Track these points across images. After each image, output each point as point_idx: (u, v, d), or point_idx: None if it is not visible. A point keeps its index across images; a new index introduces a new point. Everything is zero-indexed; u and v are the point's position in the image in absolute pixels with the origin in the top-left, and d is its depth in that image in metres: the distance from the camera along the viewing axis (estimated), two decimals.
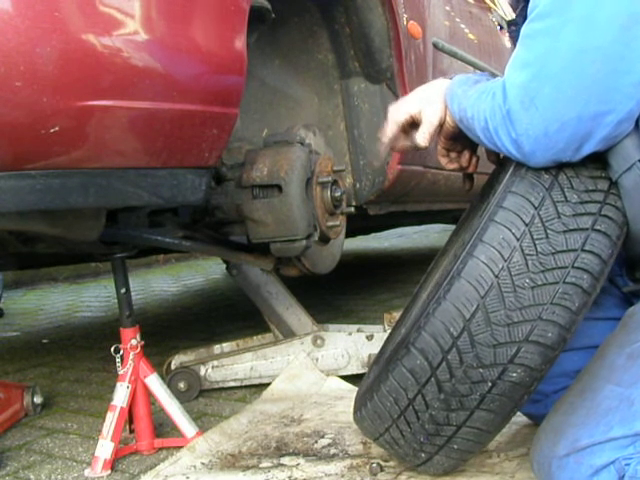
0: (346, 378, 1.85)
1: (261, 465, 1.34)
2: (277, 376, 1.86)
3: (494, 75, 1.28)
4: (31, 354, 2.62)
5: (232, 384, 1.92)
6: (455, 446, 1.10)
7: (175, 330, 2.83)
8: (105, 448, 1.43)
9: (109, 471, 1.42)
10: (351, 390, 1.80)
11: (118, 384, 1.49)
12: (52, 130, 0.85)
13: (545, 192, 1.02)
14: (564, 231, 1.01)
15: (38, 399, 1.85)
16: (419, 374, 1.05)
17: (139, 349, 1.52)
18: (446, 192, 2.61)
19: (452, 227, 6.96)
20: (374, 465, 1.27)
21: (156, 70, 0.94)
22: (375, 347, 1.87)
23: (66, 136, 0.87)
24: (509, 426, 1.45)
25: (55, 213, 1.06)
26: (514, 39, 1.29)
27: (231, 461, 1.39)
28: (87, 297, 4.16)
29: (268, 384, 1.86)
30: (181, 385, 1.87)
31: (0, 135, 0.85)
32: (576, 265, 1.00)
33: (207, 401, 1.87)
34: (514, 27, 1.33)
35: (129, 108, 0.92)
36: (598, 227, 1.02)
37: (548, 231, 1.00)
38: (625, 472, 0.97)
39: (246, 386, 1.92)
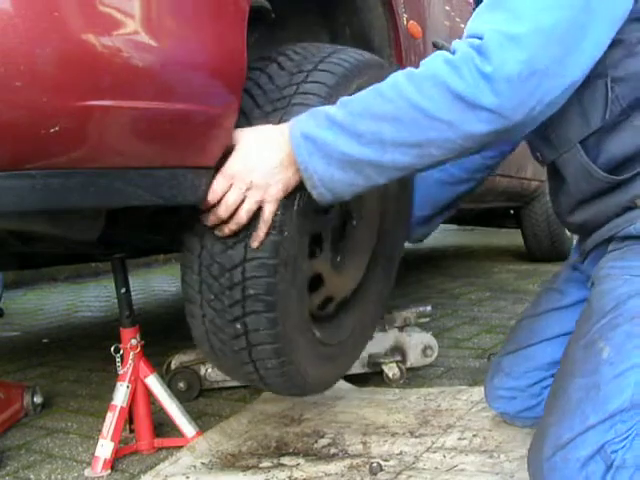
0: (346, 378, 1.85)
1: (261, 465, 1.34)
2: None
3: None
4: (31, 354, 2.62)
5: (232, 384, 1.92)
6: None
7: (175, 330, 2.83)
8: (105, 448, 1.43)
9: (109, 471, 1.42)
10: (351, 390, 1.80)
11: (118, 384, 1.49)
12: (52, 130, 0.85)
13: None
14: None
15: (38, 399, 1.85)
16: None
17: (139, 349, 1.52)
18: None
19: (453, 227, 6.92)
20: (374, 465, 1.27)
21: (156, 70, 0.94)
22: (375, 347, 1.87)
23: (66, 136, 0.87)
24: (509, 427, 1.45)
25: (55, 213, 1.06)
26: None
27: (231, 461, 1.39)
28: (87, 297, 4.16)
29: None
30: (181, 385, 1.87)
31: (0, 135, 0.85)
32: None
33: (207, 401, 1.87)
34: None
35: (129, 108, 0.92)
36: None
37: None
38: (613, 461, 0.95)
39: (246, 386, 1.92)
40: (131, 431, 1.54)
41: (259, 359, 1.17)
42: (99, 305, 3.81)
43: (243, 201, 1.03)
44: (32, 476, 1.45)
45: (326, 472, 1.28)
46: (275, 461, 1.36)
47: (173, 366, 1.90)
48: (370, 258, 1.52)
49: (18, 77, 0.82)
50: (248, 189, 1.03)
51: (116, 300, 1.57)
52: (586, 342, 1.09)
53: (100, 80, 0.88)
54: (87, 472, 1.43)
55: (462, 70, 0.93)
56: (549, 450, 1.02)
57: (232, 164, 1.04)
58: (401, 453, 1.35)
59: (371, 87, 1.02)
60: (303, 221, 1.14)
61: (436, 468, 1.27)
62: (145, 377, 1.52)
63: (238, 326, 1.13)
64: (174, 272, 5.07)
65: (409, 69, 1.00)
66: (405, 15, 1.86)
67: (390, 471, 1.27)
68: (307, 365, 1.24)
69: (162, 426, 1.61)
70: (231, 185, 1.03)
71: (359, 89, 1.19)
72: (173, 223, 1.24)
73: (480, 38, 0.95)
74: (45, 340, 2.90)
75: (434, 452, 1.34)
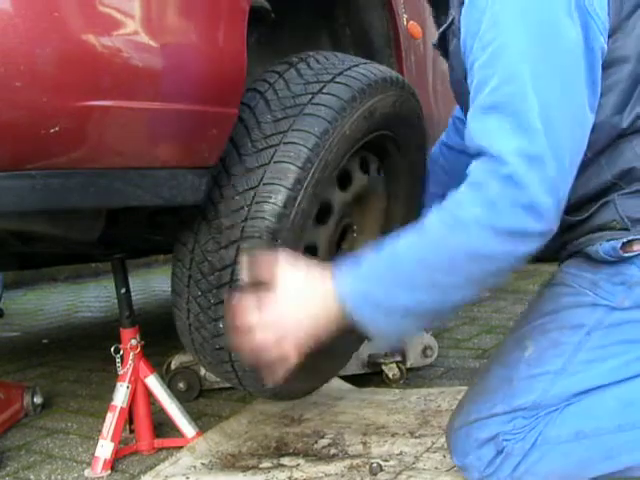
0: (346, 378, 1.85)
1: (261, 465, 1.34)
2: None
3: None
4: (31, 354, 2.62)
5: None
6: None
7: (175, 330, 2.83)
8: (105, 448, 1.43)
9: (109, 471, 1.42)
10: (351, 390, 1.80)
11: (118, 384, 1.49)
12: (52, 130, 0.85)
13: None
14: None
15: (38, 399, 1.85)
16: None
17: (139, 349, 1.52)
18: None
19: None
20: (374, 465, 1.27)
21: (156, 70, 0.94)
22: (376, 347, 1.87)
23: (66, 136, 0.87)
24: None
25: (55, 213, 1.06)
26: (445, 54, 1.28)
27: (231, 461, 1.39)
28: (87, 297, 4.16)
29: None
30: (181, 385, 1.87)
31: (0, 135, 0.85)
32: None
33: (207, 401, 1.87)
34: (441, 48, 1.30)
35: (129, 108, 0.92)
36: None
37: None
38: (503, 448, 1.10)
39: None
40: (131, 431, 1.54)
41: (237, 360, 1.17)
42: (99, 305, 3.80)
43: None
44: (32, 476, 1.45)
45: (326, 472, 1.28)
46: (275, 461, 1.36)
47: (173, 366, 1.90)
48: None
49: (18, 77, 0.82)
50: (277, 339, 0.99)
51: (116, 300, 1.57)
52: (518, 336, 1.18)
53: (100, 80, 0.88)
54: (87, 472, 1.43)
55: (501, 208, 0.91)
56: (459, 422, 1.17)
57: (271, 314, 0.99)
58: (401, 453, 1.35)
59: (415, 233, 0.98)
60: (299, 232, 1.14)
61: (436, 468, 1.27)
62: (145, 377, 1.52)
63: (221, 325, 1.14)
64: None
65: (448, 206, 0.96)
66: (405, 15, 1.86)
67: (390, 471, 1.27)
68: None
69: (162, 426, 1.61)
70: (263, 330, 0.99)
71: (374, 109, 1.19)
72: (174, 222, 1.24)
73: (495, 157, 0.93)
74: (45, 340, 2.90)
75: (434, 452, 1.34)
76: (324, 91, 1.16)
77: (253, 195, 1.10)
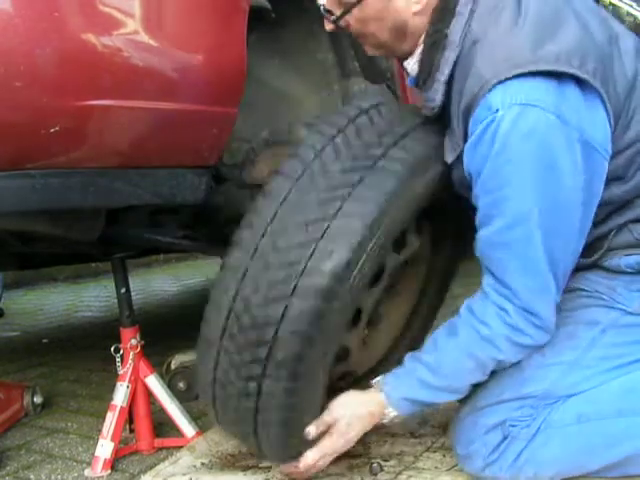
0: None
1: (261, 465, 1.34)
2: None
3: None
4: (31, 354, 2.62)
5: None
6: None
7: (175, 330, 2.83)
8: (105, 448, 1.43)
9: (109, 471, 1.42)
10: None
11: (118, 384, 1.49)
12: (52, 130, 0.85)
13: None
14: None
15: (38, 399, 1.85)
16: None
17: (139, 349, 1.52)
18: None
19: None
20: (374, 465, 1.27)
21: (156, 70, 0.94)
22: None
23: (66, 136, 0.87)
24: None
25: (55, 213, 1.06)
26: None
27: (231, 461, 1.39)
28: (87, 297, 4.16)
29: None
30: (181, 385, 1.86)
31: (0, 135, 0.85)
32: None
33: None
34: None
35: (129, 108, 0.92)
36: None
37: None
38: (509, 433, 1.12)
39: None
40: (131, 431, 1.54)
41: (264, 429, 1.09)
42: (99, 305, 3.80)
43: None
44: (32, 476, 1.45)
45: (326, 472, 1.28)
46: None
47: (173, 366, 1.90)
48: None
49: (18, 77, 0.82)
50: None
51: (116, 300, 1.57)
52: None
53: (100, 80, 0.88)
54: (87, 472, 1.43)
55: (526, 331, 1.09)
56: (466, 411, 1.18)
57: (330, 446, 1.15)
58: (401, 453, 1.35)
59: (454, 345, 1.13)
60: (356, 297, 1.06)
61: (436, 468, 1.27)
62: (145, 377, 1.52)
63: (252, 385, 1.04)
64: (174, 272, 5.08)
65: (474, 321, 1.11)
66: None
67: (390, 471, 1.27)
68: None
69: (162, 426, 1.61)
70: (320, 457, 1.16)
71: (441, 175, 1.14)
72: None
73: (510, 290, 1.08)
74: (45, 340, 2.90)
75: (434, 452, 1.34)
76: (398, 144, 1.08)
77: (313, 248, 1.00)
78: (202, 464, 1.38)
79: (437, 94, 1.10)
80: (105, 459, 1.42)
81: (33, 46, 0.82)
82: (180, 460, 1.40)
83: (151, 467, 1.41)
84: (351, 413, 1.14)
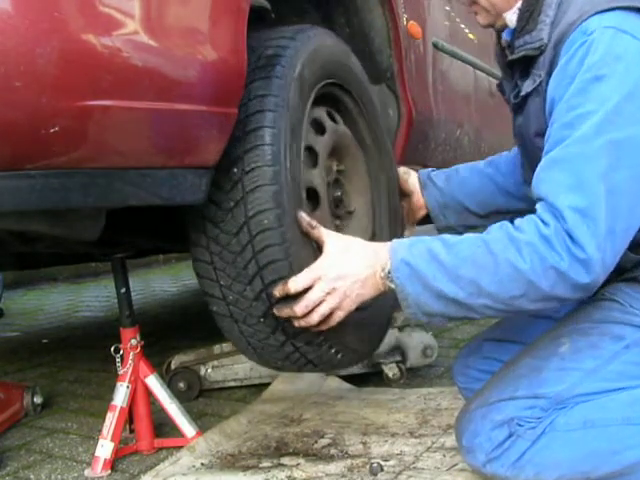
0: (346, 378, 1.85)
1: (261, 465, 1.34)
2: (277, 376, 1.86)
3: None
4: (31, 354, 2.62)
5: (232, 384, 1.92)
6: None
7: (175, 330, 2.83)
8: (105, 448, 1.43)
9: (109, 471, 1.42)
10: (351, 390, 1.80)
11: (118, 384, 1.49)
12: (52, 130, 0.85)
13: None
14: None
15: (38, 399, 1.85)
16: None
17: (139, 349, 1.52)
18: None
19: None
20: (374, 465, 1.27)
21: (156, 70, 0.94)
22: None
23: (66, 136, 0.87)
24: None
25: (55, 213, 1.06)
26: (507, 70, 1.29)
27: (231, 461, 1.39)
28: (87, 297, 4.16)
29: (268, 384, 1.86)
30: (181, 385, 1.87)
31: (0, 135, 0.85)
32: None
33: (207, 401, 1.87)
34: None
35: (129, 108, 0.92)
36: None
37: None
38: (515, 431, 1.11)
39: (246, 386, 1.93)
40: (131, 431, 1.54)
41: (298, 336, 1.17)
42: (99, 305, 3.80)
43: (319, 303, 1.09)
44: (32, 476, 1.45)
45: (326, 472, 1.28)
46: (275, 461, 1.36)
47: (173, 366, 1.90)
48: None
49: (18, 77, 0.82)
50: (329, 293, 1.09)
51: (116, 300, 1.58)
52: (555, 335, 1.20)
53: (100, 80, 0.88)
54: (87, 472, 1.43)
55: (558, 250, 1.01)
56: (476, 404, 1.18)
57: (322, 264, 1.10)
58: (401, 453, 1.35)
59: (476, 235, 1.08)
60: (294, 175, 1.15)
61: (436, 468, 1.27)
62: (145, 377, 1.52)
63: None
64: (174, 272, 5.08)
65: (510, 225, 1.06)
66: (405, 15, 1.86)
67: (390, 471, 1.27)
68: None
69: (162, 426, 1.61)
70: (314, 284, 1.09)
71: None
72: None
73: (556, 208, 1.02)
74: (45, 340, 2.90)
75: (434, 452, 1.34)
76: None
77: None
78: (202, 464, 1.38)
79: (542, 33, 1.15)
80: (105, 459, 1.42)
81: (33, 46, 0.82)
82: (180, 460, 1.40)
83: (151, 467, 1.41)
84: (346, 246, 1.12)
